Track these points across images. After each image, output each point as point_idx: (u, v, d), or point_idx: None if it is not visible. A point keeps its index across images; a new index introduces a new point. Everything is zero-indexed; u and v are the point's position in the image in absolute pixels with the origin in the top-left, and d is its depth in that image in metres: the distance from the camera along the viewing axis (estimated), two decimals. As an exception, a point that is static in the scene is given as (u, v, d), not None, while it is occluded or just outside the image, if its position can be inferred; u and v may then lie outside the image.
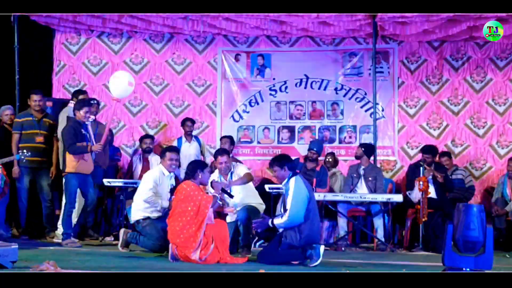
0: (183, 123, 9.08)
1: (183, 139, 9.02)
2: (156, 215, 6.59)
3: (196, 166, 6.15)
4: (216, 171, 7.03)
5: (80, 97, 7.91)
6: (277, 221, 5.87)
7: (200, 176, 6.06)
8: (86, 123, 7.27)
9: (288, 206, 5.79)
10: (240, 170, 6.91)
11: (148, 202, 6.58)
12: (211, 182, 6.46)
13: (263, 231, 6.55)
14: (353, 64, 9.56)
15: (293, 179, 5.87)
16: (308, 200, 5.82)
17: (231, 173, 6.89)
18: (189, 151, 8.88)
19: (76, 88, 9.61)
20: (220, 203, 6.30)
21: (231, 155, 7.72)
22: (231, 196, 6.45)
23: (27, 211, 7.91)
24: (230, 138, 8.81)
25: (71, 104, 7.77)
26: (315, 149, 8.47)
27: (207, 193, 6.28)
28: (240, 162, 8.24)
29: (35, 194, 7.91)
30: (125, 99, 9.23)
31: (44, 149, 7.81)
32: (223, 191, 6.39)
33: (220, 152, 7.06)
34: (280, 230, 5.93)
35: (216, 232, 5.88)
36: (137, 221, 6.66)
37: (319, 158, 8.71)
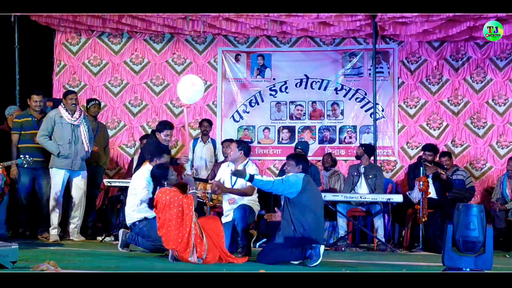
0: (200, 123, 9.12)
1: (199, 139, 9.06)
2: (152, 214, 6.56)
3: (159, 177, 5.97)
4: (224, 164, 7.09)
5: (70, 97, 7.70)
6: (258, 177, 5.92)
7: (166, 184, 5.95)
8: (166, 145, 7.31)
9: (281, 177, 5.96)
10: (250, 170, 6.87)
11: (145, 201, 6.55)
12: (182, 177, 6.36)
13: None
14: (353, 64, 9.57)
15: (300, 173, 5.98)
16: (296, 194, 5.83)
17: (243, 167, 6.87)
18: (202, 152, 8.92)
19: (77, 88, 9.67)
20: (198, 193, 6.19)
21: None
22: (206, 181, 6.41)
23: (26, 211, 7.90)
24: (231, 141, 8.79)
25: (61, 107, 7.69)
26: (300, 147, 8.44)
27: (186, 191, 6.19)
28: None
29: (34, 194, 7.90)
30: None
31: (43, 149, 7.81)
32: (196, 179, 6.34)
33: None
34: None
35: (209, 227, 5.84)
36: (133, 224, 6.61)
37: (314, 159, 8.72)
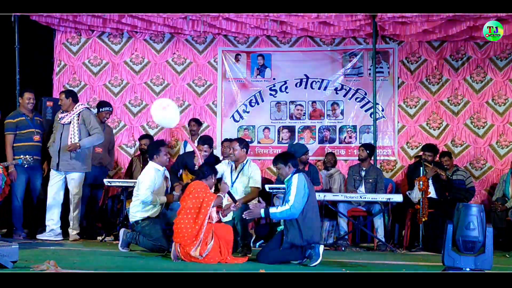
0: (189, 123, 9.13)
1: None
2: (155, 213, 6.58)
3: (209, 170, 6.22)
4: (224, 161, 7.13)
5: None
6: (273, 210, 5.82)
7: (207, 180, 6.13)
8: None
9: (290, 198, 5.77)
10: (253, 170, 6.90)
11: (147, 203, 6.57)
12: (219, 184, 6.47)
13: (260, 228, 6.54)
14: (353, 64, 9.57)
15: (296, 175, 5.89)
16: (307, 197, 5.83)
17: (243, 166, 6.91)
18: None
19: (77, 88, 9.67)
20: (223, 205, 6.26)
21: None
22: (235, 201, 6.44)
23: (22, 210, 7.87)
24: (231, 141, 8.78)
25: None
26: (292, 149, 8.40)
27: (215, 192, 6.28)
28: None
29: (29, 193, 7.90)
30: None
31: (40, 148, 7.81)
32: (229, 194, 6.40)
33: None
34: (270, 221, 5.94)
35: (221, 233, 5.88)
36: (136, 222, 6.64)
37: (314, 158, 8.69)
